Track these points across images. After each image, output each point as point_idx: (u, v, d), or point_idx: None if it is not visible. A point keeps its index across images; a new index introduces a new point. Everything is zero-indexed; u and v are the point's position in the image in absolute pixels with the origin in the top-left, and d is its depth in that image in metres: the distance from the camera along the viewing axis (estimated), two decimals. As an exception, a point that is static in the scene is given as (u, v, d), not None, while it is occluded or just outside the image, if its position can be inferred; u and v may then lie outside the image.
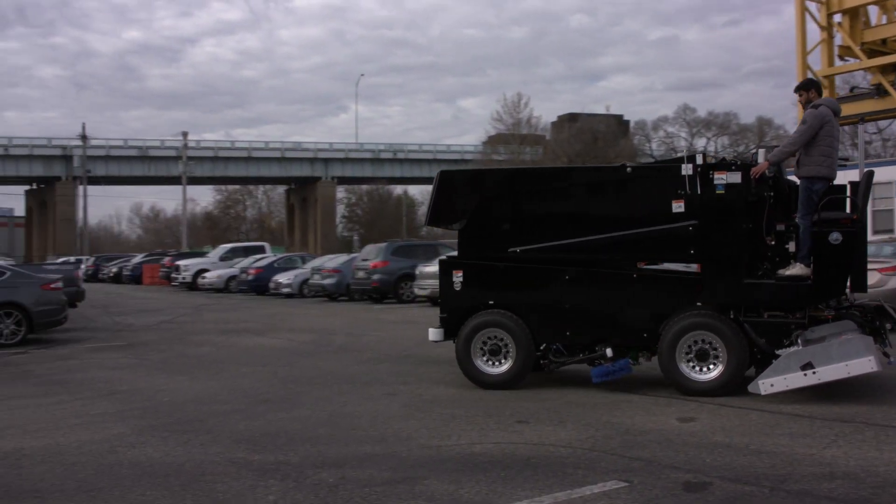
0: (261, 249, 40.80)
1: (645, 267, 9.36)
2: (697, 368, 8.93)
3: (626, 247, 9.36)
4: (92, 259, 61.98)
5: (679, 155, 9.71)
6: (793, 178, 9.60)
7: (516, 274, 9.77)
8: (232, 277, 36.03)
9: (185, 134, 73.42)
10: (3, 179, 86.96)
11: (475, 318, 9.69)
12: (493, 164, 61.03)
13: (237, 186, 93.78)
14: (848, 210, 8.94)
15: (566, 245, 9.57)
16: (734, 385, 8.75)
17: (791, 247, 9.20)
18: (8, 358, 13.66)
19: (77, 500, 5.70)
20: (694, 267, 9.15)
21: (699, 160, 9.17)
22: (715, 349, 8.85)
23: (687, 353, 8.93)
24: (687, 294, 9.12)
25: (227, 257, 40.26)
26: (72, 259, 51.30)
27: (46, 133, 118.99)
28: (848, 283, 9.16)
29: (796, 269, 8.83)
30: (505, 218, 9.94)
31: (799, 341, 8.56)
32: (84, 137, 76.61)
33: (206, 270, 38.55)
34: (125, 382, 10.87)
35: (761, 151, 9.20)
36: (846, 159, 11.56)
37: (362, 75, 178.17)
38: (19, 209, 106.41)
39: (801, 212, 8.95)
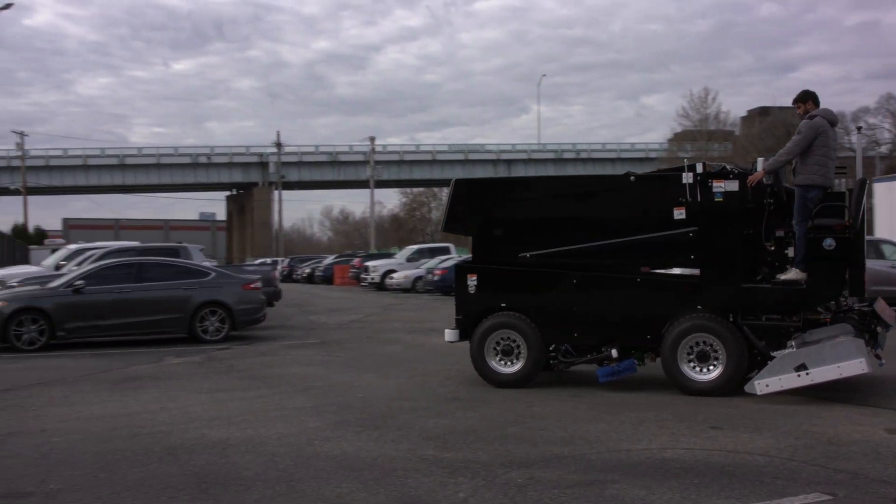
0: (446, 250, 41.37)
1: (648, 271, 9.89)
2: (698, 369, 9.28)
3: (630, 252, 9.79)
4: (287, 260, 64.81)
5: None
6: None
7: (527, 278, 10.18)
8: (418, 278, 36.76)
9: (372, 139, 75.81)
10: (206, 186, 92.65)
11: (489, 320, 10.13)
12: (678, 161, 59.22)
13: (422, 189, 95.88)
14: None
15: (573, 250, 9.99)
16: (733, 385, 9.07)
17: (791, 252, 9.47)
18: (213, 353, 14.50)
19: (278, 489, 5.96)
20: (694, 271, 9.59)
21: (699, 169, 9.50)
22: (715, 351, 9.19)
23: (688, 355, 9.29)
24: (688, 297, 9.47)
25: (413, 258, 41.11)
26: (268, 260, 53.89)
27: (244, 142, 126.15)
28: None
29: (792, 274, 9.14)
30: (516, 224, 10.39)
31: (794, 343, 8.84)
32: (279, 145, 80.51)
33: (393, 271, 39.53)
34: (320, 378, 11.31)
35: (760, 160, 9.52)
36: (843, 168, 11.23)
37: (544, 76, 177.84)
38: (220, 214, 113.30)
39: (797, 218, 9.19)
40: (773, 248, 9.60)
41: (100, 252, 21.43)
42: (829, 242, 8.95)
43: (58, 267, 22.79)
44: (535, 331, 9.93)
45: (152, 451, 7.17)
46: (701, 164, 9.72)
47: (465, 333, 10.38)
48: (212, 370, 11.08)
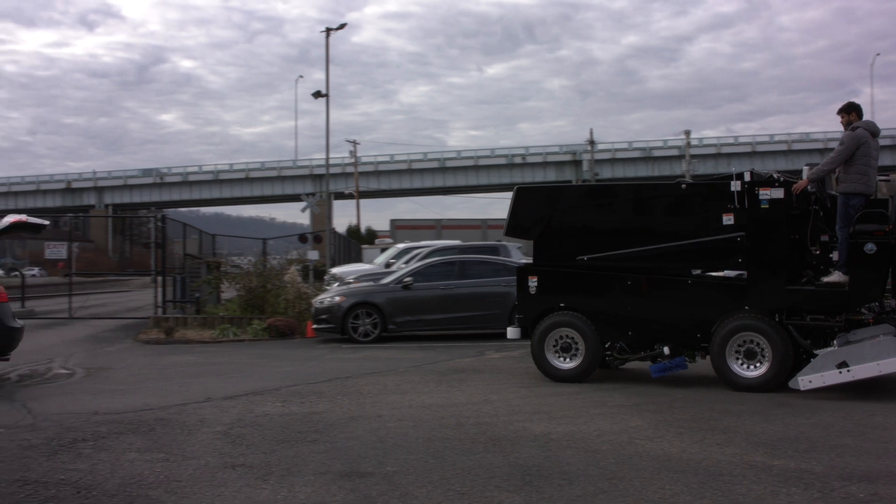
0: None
1: (698, 273, 10.44)
2: (745, 366, 9.77)
3: (682, 255, 10.35)
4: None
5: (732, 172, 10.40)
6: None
7: (584, 280, 10.79)
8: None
9: (687, 132, 73.69)
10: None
11: (548, 319, 10.78)
12: None
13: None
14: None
15: (628, 254, 10.53)
16: (779, 381, 9.51)
17: (835, 256, 9.80)
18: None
19: (600, 486, 5.95)
20: (742, 274, 10.06)
21: (747, 177, 9.96)
22: (761, 349, 9.66)
23: (736, 352, 9.80)
24: (736, 298, 9.98)
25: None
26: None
27: (556, 141, 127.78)
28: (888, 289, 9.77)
29: (835, 277, 9.59)
30: (574, 229, 11.00)
31: (836, 342, 9.27)
32: (591, 143, 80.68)
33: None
34: (640, 376, 11.14)
35: (805, 169, 10.08)
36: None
37: (878, 55, 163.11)
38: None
39: (840, 224, 9.59)
40: (818, 252, 10.03)
41: (425, 251, 22.69)
42: (870, 247, 9.31)
43: (388, 265, 24.44)
44: (592, 329, 10.55)
45: (478, 441, 7.44)
46: (748, 172, 10.14)
47: (526, 332, 11.10)
48: (532, 365, 11.27)
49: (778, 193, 9.80)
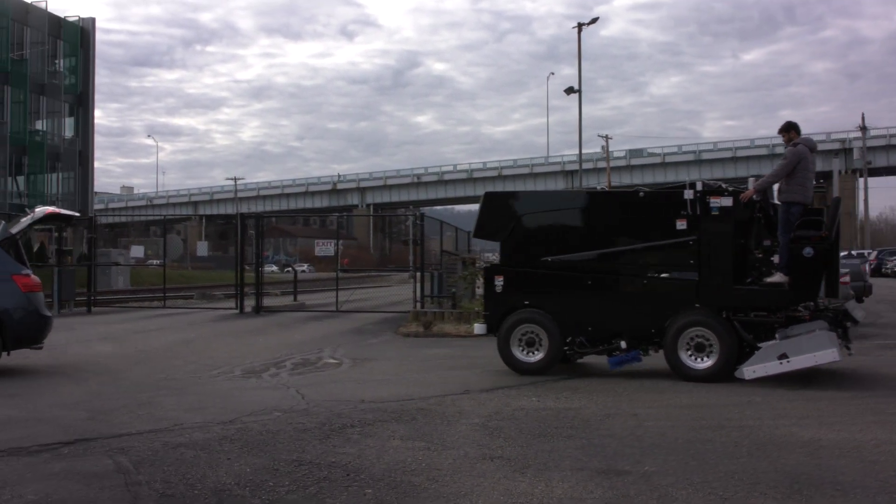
0: None
1: (653, 274, 11.12)
2: (695, 358, 10.61)
3: (638, 257, 11.22)
4: (874, 253, 60.25)
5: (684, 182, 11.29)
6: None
7: (548, 279, 11.54)
8: None
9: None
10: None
11: (514, 316, 11.43)
12: None
13: None
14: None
15: (589, 255, 11.37)
16: (725, 372, 10.34)
17: (776, 259, 10.66)
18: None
19: (878, 500, 5.52)
20: (693, 275, 10.80)
21: (699, 186, 10.85)
22: (710, 343, 10.52)
23: (687, 346, 10.63)
24: (687, 297, 10.81)
25: None
26: (856, 252, 50.59)
27: (820, 128, 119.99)
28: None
29: (776, 278, 10.45)
30: (539, 232, 11.84)
31: (777, 336, 10.20)
32: (863, 129, 75.17)
33: None
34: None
35: (751, 180, 11.31)
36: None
37: None
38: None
39: (781, 230, 10.53)
40: (760, 256, 11.05)
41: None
42: (808, 251, 10.27)
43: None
44: (555, 325, 11.22)
45: (741, 444, 7.13)
46: (700, 182, 11.03)
47: (491, 328, 11.68)
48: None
49: (727, 202, 10.69)
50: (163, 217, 73.66)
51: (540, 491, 5.84)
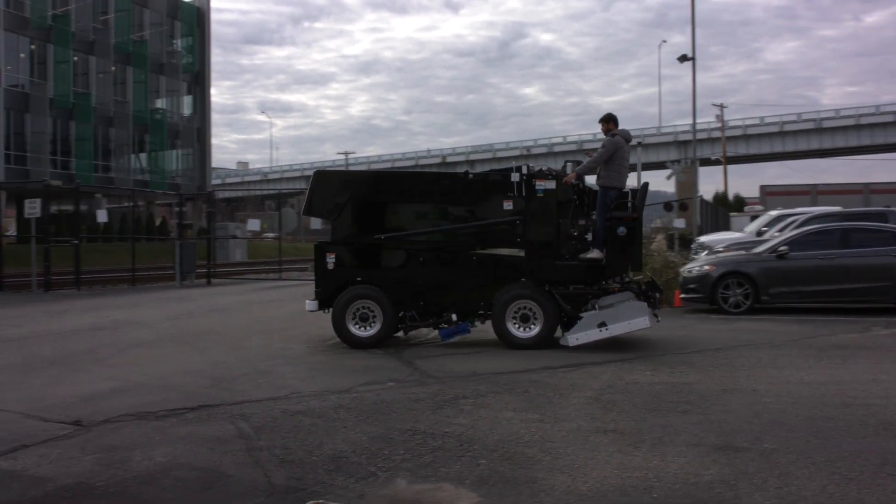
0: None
1: (482, 251, 11.94)
2: (521, 328, 11.39)
3: (468, 235, 11.80)
4: None
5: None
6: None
7: (380, 256, 12.02)
8: None
9: None
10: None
11: (348, 292, 11.71)
12: None
13: None
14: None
15: (420, 233, 11.86)
16: (548, 340, 11.29)
17: (590, 237, 11.51)
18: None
19: None
20: (519, 251, 11.74)
21: (524, 170, 11.56)
22: (534, 314, 11.36)
23: (514, 317, 11.39)
24: (514, 272, 11.63)
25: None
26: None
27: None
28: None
29: (593, 254, 11.40)
30: (371, 210, 12.12)
31: (596, 306, 11.29)
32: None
33: None
34: None
35: (569, 164, 12.00)
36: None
37: None
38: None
39: (598, 211, 11.49)
40: (576, 234, 11.49)
41: (802, 218, 21.34)
42: (621, 230, 11.19)
43: (759, 233, 23.33)
44: (387, 300, 11.60)
45: (867, 423, 6.87)
46: (526, 166, 11.77)
47: (324, 304, 11.92)
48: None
49: (551, 185, 11.36)
50: (277, 191, 75.42)
51: (655, 466, 5.76)
